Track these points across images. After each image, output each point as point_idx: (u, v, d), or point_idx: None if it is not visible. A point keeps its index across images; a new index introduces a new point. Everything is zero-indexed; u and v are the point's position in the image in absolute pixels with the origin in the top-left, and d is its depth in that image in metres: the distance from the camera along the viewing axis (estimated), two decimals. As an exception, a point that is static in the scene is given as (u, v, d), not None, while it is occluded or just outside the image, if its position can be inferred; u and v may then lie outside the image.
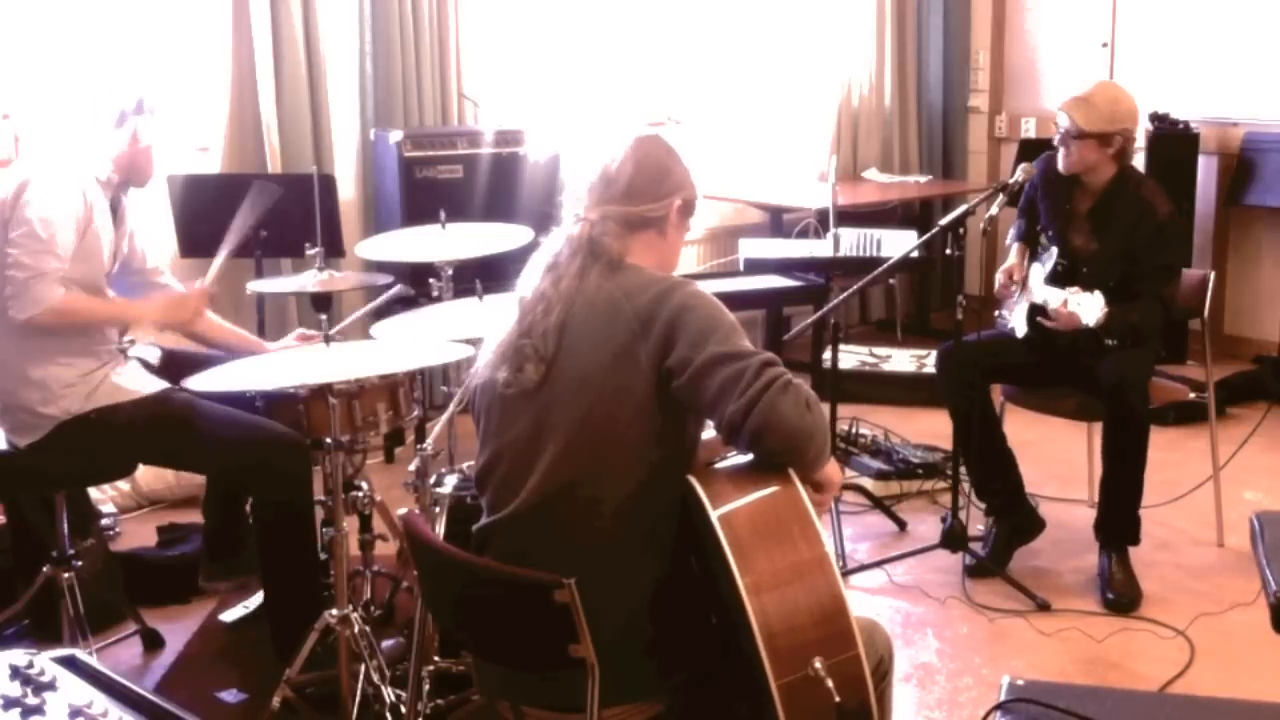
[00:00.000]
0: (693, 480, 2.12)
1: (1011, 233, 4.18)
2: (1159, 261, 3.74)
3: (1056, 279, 3.79)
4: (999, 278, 4.04)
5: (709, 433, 2.24)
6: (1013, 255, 4.09)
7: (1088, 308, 3.50)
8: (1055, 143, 3.82)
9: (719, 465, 2.20)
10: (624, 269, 2.21)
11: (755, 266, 4.91)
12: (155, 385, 3.27)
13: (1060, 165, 3.81)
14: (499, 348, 2.26)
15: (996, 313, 4.07)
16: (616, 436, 2.13)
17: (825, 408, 2.19)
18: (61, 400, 3.14)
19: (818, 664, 1.94)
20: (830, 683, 1.94)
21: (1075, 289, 3.57)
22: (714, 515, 2.03)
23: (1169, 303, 3.78)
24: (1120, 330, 3.64)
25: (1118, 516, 3.78)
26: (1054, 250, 3.86)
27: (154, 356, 3.47)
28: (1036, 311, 3.76)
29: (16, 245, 3.04)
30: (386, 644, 3.28)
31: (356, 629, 2.99)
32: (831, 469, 2.19)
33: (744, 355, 2.08)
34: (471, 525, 2.33)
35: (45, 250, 3.05)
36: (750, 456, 2.15)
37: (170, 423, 3.21)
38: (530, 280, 2.28)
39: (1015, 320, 3.93)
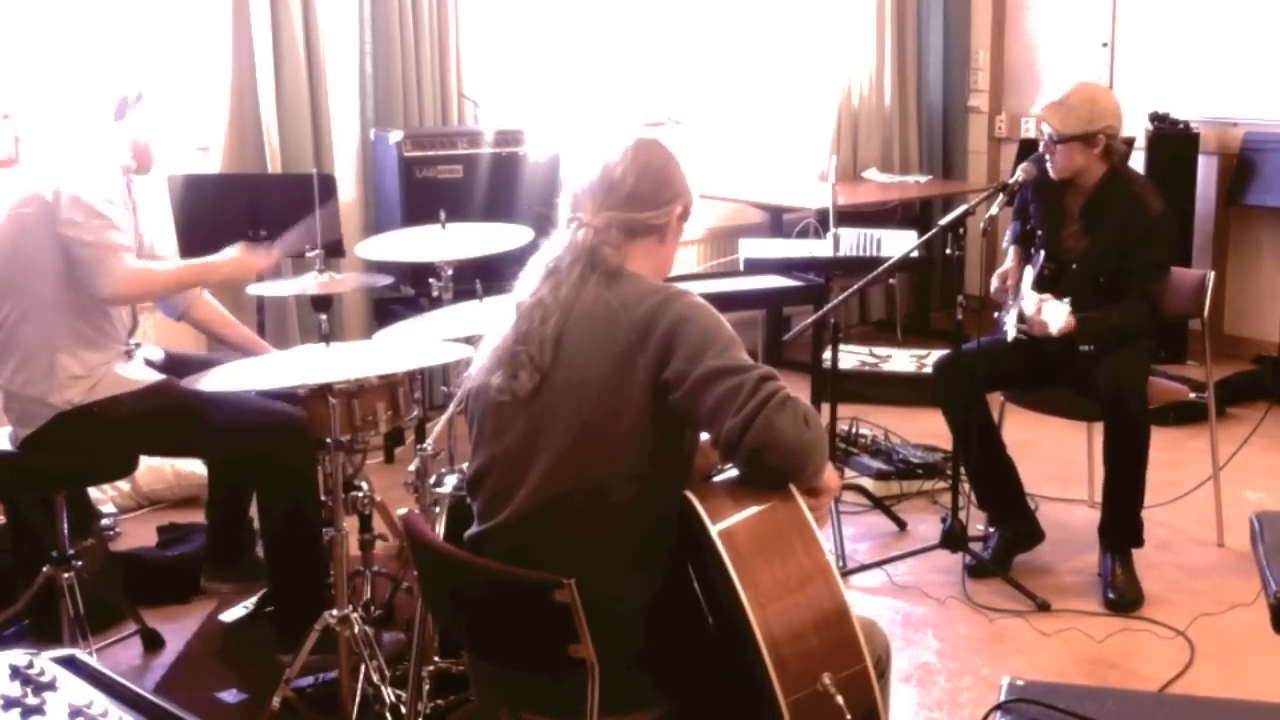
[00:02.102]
0: (691, 496, 2.10)
1: (1007, 235, 4.18)
2: (1148, 259, 3.72)
3: (1041, 283, 3.78)
4: (994, 282, 4.04)
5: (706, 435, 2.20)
6: (1009, 258, 4.09)
7: (1053, 315, 3.50)
8: (1040, 149, 3.82)
9: (716, 480, 2.17)
10: (622, 279, 2.18)
11: (755, 266, 4.91)
12: (157, 377, 3.29)
13: (1051, 172, 3.81)
14: (495, 352, 2.23)
15: (996, 314, 4.07)
16: (612, 446, 2.10)
17: (825, 412, 2.18)
18: (66, 390, 3.16)
19: (826, 679, 1.92)
20: (840, 699, 1.92)
21: (1048, 296, 3.57)
22: (714, 531, 2.01)
23: (1156, 300, 3.77)
24: (1096, 335, 3.64)
25: (1121, 520, 3.78)
26: (1042, 254, 3.86)
27: (157, 357, 3.48)
28: (1023, 317, 3.77)
29: (78, 228, 3.08)
30: (387, 637, 3.28)
31: (356, 629, 2.99)
32: (829, 475, 2.15)
33: (741, 369, 2.05)
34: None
35: (108, 226, 3.10)
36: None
37: (172, 411, 3.22)
38: (529, 284, 2.25)
39: (1007, 324, 3.93)
